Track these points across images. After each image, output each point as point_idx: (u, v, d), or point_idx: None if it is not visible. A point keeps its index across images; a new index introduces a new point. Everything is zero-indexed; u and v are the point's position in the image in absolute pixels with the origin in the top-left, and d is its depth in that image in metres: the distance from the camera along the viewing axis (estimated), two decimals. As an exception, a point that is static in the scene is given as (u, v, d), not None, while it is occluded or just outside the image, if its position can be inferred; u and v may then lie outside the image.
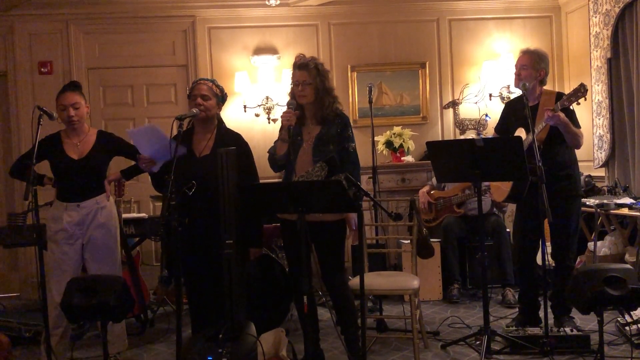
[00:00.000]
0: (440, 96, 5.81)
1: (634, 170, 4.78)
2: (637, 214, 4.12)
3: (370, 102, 4.33)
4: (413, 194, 5.05)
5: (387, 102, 5.78)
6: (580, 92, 3.36)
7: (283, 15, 5.64)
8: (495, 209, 4.91)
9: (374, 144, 4.33)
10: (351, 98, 5.68)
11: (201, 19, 5.59)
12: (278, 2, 5.16)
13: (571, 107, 3.51)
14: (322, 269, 3.16)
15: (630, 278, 2.85)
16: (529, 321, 3.74)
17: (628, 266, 3.02)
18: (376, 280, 3.53)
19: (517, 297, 4.15)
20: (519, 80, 3.65)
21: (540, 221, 3.45)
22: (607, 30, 4.95)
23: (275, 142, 3.28)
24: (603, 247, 4.52)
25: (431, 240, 3.91)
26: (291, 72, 3.26)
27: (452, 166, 3.43)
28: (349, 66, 5.69)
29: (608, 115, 5.00)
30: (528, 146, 3.37)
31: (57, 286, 3.15)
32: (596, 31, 5.13)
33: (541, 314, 3.53)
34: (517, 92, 5.13)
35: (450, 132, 5.81)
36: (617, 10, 4.80)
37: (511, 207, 4.91)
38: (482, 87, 5.65)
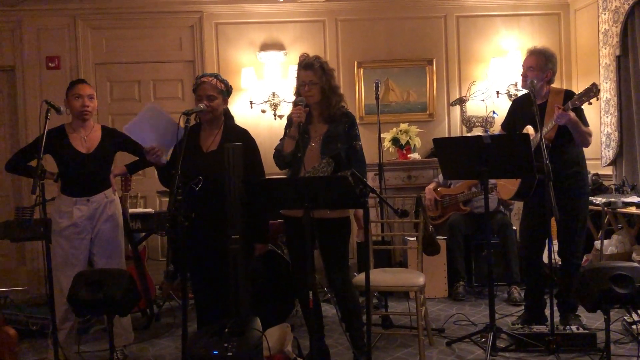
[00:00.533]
0: (447, 93, 5.80)
1: (642, 168, 4.75)
2: (645, 212, 4.10)
3: (376, 98, 4.32)
4: (419, 191, 5.04)
5: (394, 98, 5.76)
6: (592, 92, 3.31)
7: (290, 11, 5.64)
8: (501, 207, 4.90)
9: (380, 140, 4.32)
10: (358, 94, 5.67)
11: (208, 14, 5.59)
12: (285, -3, 5.17)
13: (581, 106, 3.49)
14: (326, 266, 3.15)
15: (638, 276, 2.84)
16: (535, 319, 3.73)
17: (635, 264, 3.00)
18: (382, 277, 3.53)
19: (523, 295, 4.14)
20: (526, 81, 3.61)
21: (547, 219, 3.43)
22: (616, 27, 4.91)
23: (281, 139, 3.28)
24: (610, 245, 4.51)
25: (437, 237, 3.91)
26: (296, 72, 3.25)
27: (459, 163, 3.41)
28: (355, 62, 5.68)
29: (616, 113, 4.97)
30: (536, 144, 3.35)
31: (67, 281, 3.14)
32: (605, 28, 5.10)
33: (547, 312, 3.51)
34: (524, 90, 5.11)
35: (457, 130, 5.79)
36: (626, 7, 4.77)
37: (518, 205, 4.90)
38: (490, 85, 5.62)
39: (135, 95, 5.65)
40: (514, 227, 4.71)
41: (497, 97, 5.58)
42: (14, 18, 5.42)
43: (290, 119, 3.22)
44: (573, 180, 3.57)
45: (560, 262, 3.74)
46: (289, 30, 5.66)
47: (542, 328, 3.45)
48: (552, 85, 3.69)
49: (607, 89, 5.09)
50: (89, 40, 5.53)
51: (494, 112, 5.51)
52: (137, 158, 3.56)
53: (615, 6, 4.92)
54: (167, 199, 3.49)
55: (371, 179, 4.64)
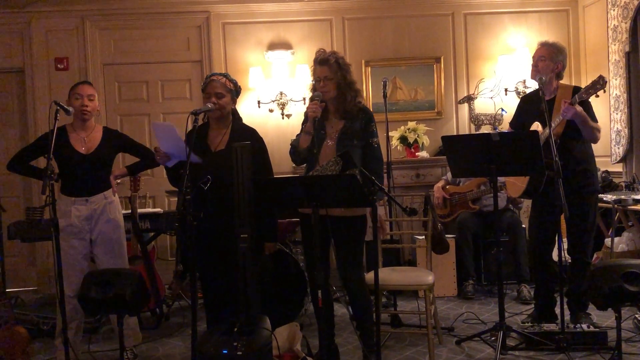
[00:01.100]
0: (455, 91, 5.78)
1: (652, 165, 4.72)
2: (656, 209, 4.07)
3: (384, 96, 4.31)
4: (428, 190, 5.03)
5: (402, 97, 5.75)
6: (599, 84, 3.30)
7: (297, 10, 5.64)
8: (510, 205, 4.88)
9: (388, 139, 4.31)
10: (365, 93, 5.65)
11: (215, 14, 5.61)
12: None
13: (589, 100, 3.47)
14: (340, 264, 3.14)
15: (649, 274, 2.81)
16: (545, 317, 3.71)
17: (647, 262, 2.98)
18: (391, 276, 3.52)
19: (532, 293, 4.11)
20: (536, 72, 3.60)
21: (556, 217, 3.41)
22: (626, 23, 4.87)
23: (297, 134, 3.26)
24: (620, 243, 4.47)
25: (446, 236, 3.89)
26: (311, 67, 3.24)
27: (468, 161, 3.39)
28: (363, 61, 5.68)
29: (626, 110, 4.93)
30: (545, 140, 3.34)
31: (67, 280, 3.15)
32: (614, 24, 5.06)
33: (557, 310, 3.50)
34: (532, 87, 5.09)
35: (465, 127, 5.77)
36: (635, 2, 4.73)
37: (527, 203, 4.87)
38: (498, 82, 5.60)
39: (144, 96, 5.67)
40: (523, 225, 4.69)
41: (506, 94, 5.56)
42: (22, 20, 5.46)
43: (306, 114, 3.21)
44: (582, 177, 3.55)
45: (570, 260, 3.72)
46: (296, 29, 5.66)
47: (552, 326, 3.43)
48: (561, 82, 3.67)
49: (617, 86, 5.06)
50: (97, 41, 5.56)
51: (502, 110, 5.49)
52: (138, 159, 3.59)
53: (625, 2, 4.88)
54: (176, 199, 3.51)
55: (379, 178, 4.62)
